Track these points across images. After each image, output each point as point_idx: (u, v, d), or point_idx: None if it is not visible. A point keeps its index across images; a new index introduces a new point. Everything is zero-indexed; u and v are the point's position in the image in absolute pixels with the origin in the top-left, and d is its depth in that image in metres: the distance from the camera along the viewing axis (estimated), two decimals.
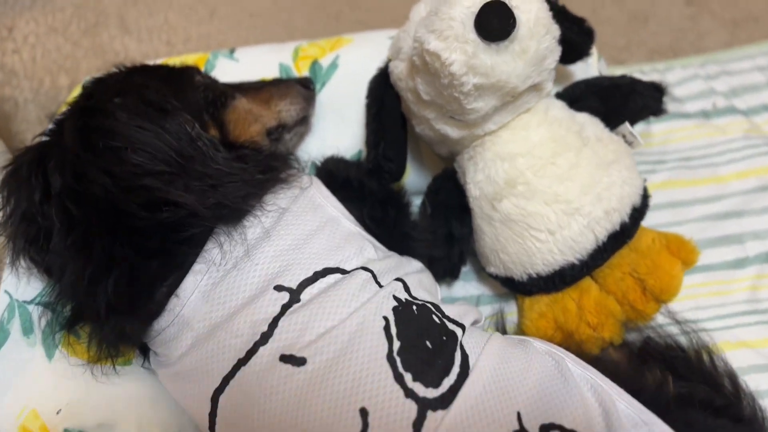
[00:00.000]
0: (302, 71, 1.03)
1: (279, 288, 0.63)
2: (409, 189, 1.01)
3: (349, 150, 1.00)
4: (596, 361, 0.76)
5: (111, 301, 0.62)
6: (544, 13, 0.72)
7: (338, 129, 1.00)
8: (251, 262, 0.65)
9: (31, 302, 0.77)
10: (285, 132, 0.88)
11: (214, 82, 0.82)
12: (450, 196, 0.88)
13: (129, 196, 0.60)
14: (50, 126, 0.73)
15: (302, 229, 0.68)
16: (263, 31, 1.34)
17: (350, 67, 1.02)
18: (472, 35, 0.69)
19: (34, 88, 1.18)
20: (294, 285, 0.64)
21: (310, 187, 0.73)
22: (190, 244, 0.64)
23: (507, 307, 0.97)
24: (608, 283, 0.87)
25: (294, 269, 0.65)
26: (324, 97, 1.01)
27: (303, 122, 0.92)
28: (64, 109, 0.74)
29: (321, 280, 0.65)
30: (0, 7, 1.27)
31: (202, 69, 1.04)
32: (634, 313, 0.86)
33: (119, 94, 0.66)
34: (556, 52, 0.76)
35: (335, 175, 0.80)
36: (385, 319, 0.64)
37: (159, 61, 1.09)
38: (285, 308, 0.62)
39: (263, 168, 0.70)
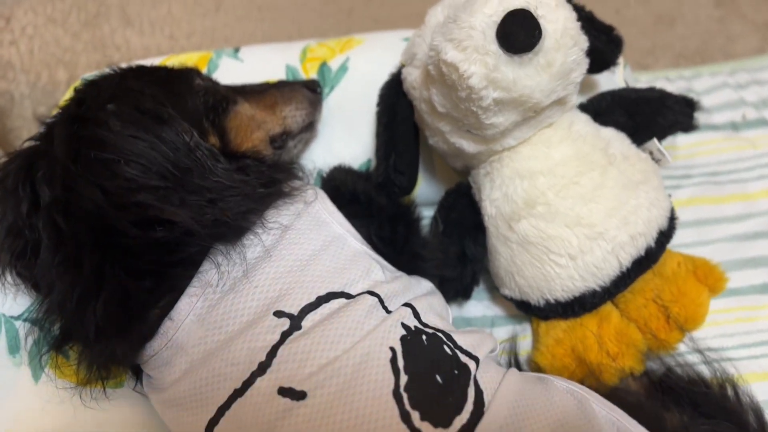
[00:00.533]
0: (310, 73, 0.98)
1: (279, 314, 0.60)
2: (420, 200, 0.98)
3: (358, 159, 0.96)
4: (615, 393, 0.73)
5: (100, 322, 0.58)
6: (572, 23, 0.67)
7: (346, 136, 0.96)
8: (250, 285, 0.61)
9: (18, 318, 0.74)
10: (289, 139, 0.84)
11: (215, 85, 0.78)
12: (464, 214, 0.84)
13: (121, 213, 0.57)
14: (40, 130, 0.69)
15: (305, 248, 0.65)
16: (271, 25, 1.29)
17: (361, 71, 0.97)
18: (494, 46, 0.65)
19: (31, 82, 1.13)
20: (295, 311, 0.60)
21: (315, 202, 0.69)
22: (185, 264, 0.61)
23: (521, 329, 0.92)
24: (630, 309, 0.83)
25: (295, 293, 0.61)
26: (332, 102, 0.97)
27: (308, 128, 0.88)
28: (55, 112, 0.70)
29: (324, 305, 0.61)
30: None
31: (205, 69, 1.00)
32: (657, 342, 0.81)
33: (113, 100, 0.62)
34: (584, 64, 0.71)
35: (342, 189, 0.76)
36: (392, 350, 0.60)
37: (161, 58, 1.05)
38: (285, 336, 0.59)
39: (266, 180, 0.66)
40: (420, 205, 1.00)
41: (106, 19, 1.26)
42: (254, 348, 0.58)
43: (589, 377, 0.80)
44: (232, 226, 0.61)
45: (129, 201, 0.57)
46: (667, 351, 0.82)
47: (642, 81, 1.21)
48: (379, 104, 0.88)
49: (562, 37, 0.66)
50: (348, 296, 0.63)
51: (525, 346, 0.91)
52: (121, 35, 1.26)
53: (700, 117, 1.17)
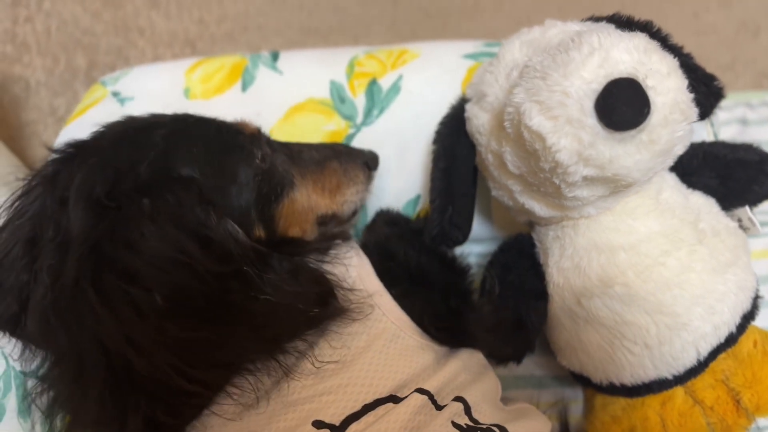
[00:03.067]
0: (357, 92, 0.90)
1: (319, 424, 0.54)
2: (470, 237, 0.91)
3: (407, 194, 0.89)
4: None
5: None
6: (684, 95, 0.59)
7: (396, 167, 0.89)
8: (285, 393, 0.56)
9: (30, 374, 0.68)
10: (334, 222, 0.76)
11: (274, 162, 0.68)
12: (524, 278, 0.77)
13: (151, 368, 0.49)
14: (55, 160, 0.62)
15: (350, 347, 0.59)
16: (310, 13, 1.19)
17: (415, 93, 0.90)
18: (591, 120, 0.57)
19: (48, 68, 1.06)
20: (337, 421, 0.55)
21: (372, 314, 0.62)
22: (212, 391, 0.55)
23: (572, 393, 0.87)
24: (696, 389, 0.77)
25: (338, 400, 0.56)
26: (381, 127, 0.89)
27: (354, 215, 0.81)
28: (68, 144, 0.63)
29: (370, 413, 0.56)
30: None
31: (239, 81, 0.91)
32: (722, 426, 0.76)
33: (150, 191, 0.54)
34: (689, 137, 0.62)
35: (395, 261, 0.70)
36: None
37: (193, 60, 0.96)
38: None
39: (321, 291, 0.59)
40: (469, 240, 0.94)
41: None
42: None
43: None
44: (271, 360, 0.55)
45: (159, 358, 0.50)
46: None
47: (721, 106, 1.10)
48: (435, 142, 0.80)
49: (672, 112, 0.58)
50: (396, 400, 0.58)
51: (575, 410, 0.86)
52: (146, 17, 1.16)
53: None
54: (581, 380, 0.79)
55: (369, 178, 0.81)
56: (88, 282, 0.50)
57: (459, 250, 0.82)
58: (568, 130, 0.57)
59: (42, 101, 1.05)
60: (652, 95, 0.56)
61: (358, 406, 0.56)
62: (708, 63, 0.74)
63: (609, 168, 0.58)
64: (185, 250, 0.51)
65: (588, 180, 0.60)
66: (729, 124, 1.11)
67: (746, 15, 1.27)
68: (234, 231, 0.56)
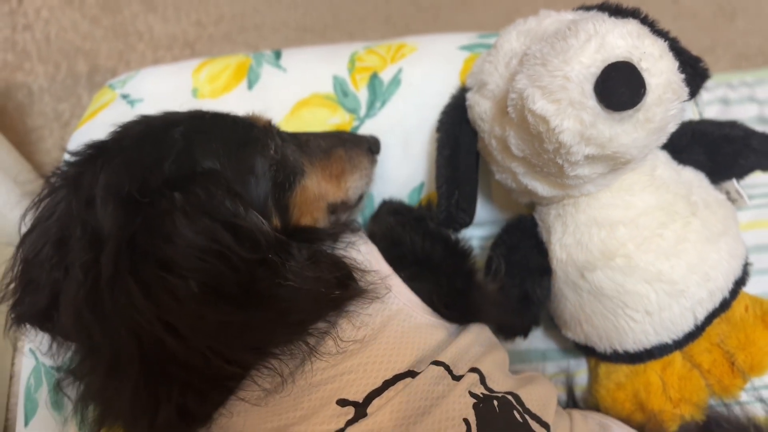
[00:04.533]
0: (360, 86, 0.92)
1: (343, 402, 0.57)
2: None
3: (411, 182, 0.92)
4: None
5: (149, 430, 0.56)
6: (675, 76, 0.63)
7: (400, 156, 0.92)
8: (309, 373, 0.58)
9: (60, 369, 0.69)
10: (343, 208, 0.79)
11: (285, 152, 0.71)
12: (528, 256, 0.80)
13: (189, 353, 0.51)
14: (74, 163, 0.63)
15: (367, 327, 0.62)
16: (306, 11, 1.21)
17: (415, 84, 0.92)
18: (592, 102, 0.60)
19: (50, 75, 1.07)
20: (360, 398, 0.57)
21: (390, 294, 0.65)
22: (241, 374, 0.57)
23: (575, 364, 0.91)
24: (693, 353, 0.81)
25: (360, 379, 0.58)
26: (384, 119, 0.92)
27: (360, 201, 0.84)
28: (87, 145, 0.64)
29: (390, 388, 0.59)
30: None
31: (245, 79, 0.94)
32: (719, 387, 0.81)
33: (180, 185, 0.55)
34: (681, 115, 0.66)
35: (402, 247, 0.72)
36: (466, 422, 0.58)
37: (195, 61, 0.98)
38: (349, 424, 0.56)
39: (341, 274, 0.61)
40: (473, 224, 0.98)
41: (126, 2, 1.18)
42: None
43: (649, 422, 0.79)
44: (298, 342, 0.57)
45: (197, 341, 0.52)
46: (728, 397, 0.81)
47: (704, 87, 1.15)
48: (439, 130, 0.83)
49: (665, 92, 0.62)
50: (414, 374, 0.61)
51: (580, 380, 0.90)
52: (144, 21, 1.18)
53: (761, 128, 1.13)
54: (585, 350, 0.83)
55: (372, 163, 0.83)
56: (127, 272, 0.51)
57: (461, 234, 0.85)
58: (571, 112, 0.60)
59: (46, 107, 1.06)
60: (646, 77, 0.59)
61: (378, 383, 0.58)
62: (689, 46, 0.78)
63: (609, 146, 0.62)
64: (218, 240, 0.53)
65: (589, 159, 0.64)
66: (712, 104, 1.15)
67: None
68: (259, 220, 0.58)
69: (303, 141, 0.77)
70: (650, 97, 0.60)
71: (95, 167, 0.60)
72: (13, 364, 0.92)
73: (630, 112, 0.60)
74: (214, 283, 0.52)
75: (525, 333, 0.85)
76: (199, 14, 1.19)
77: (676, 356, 0.80)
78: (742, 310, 0.80)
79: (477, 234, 1.01)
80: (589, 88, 0.60)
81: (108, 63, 1.10)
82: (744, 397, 0.81)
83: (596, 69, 0.60)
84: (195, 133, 0.62)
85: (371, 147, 0.83)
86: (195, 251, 0.52)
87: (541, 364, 0.92)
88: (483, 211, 0.96)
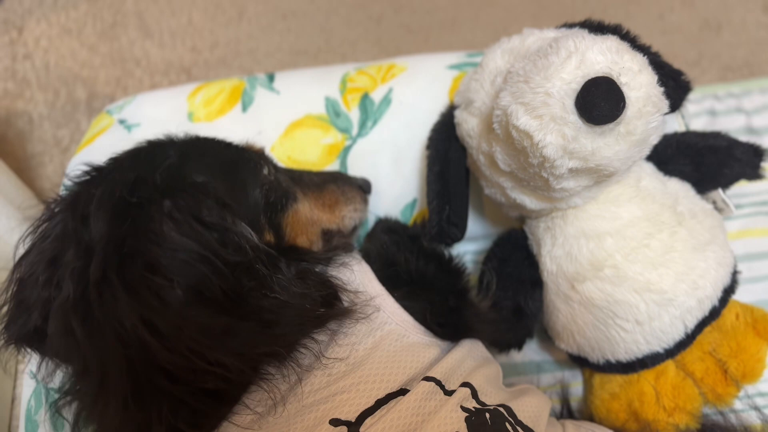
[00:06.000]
0: (351, 106, 0.94)
1: (335, 422, 0.57)
2: (465, 236, 0.95)
3: (404, 198, 0.93)
4: None
5: None
6: (655, 89, 0.64)
7: (392, 173, 0.93)
8: (300, 395, 0.58)
9: (59, 390, 0.70)
10: (338, 236, 0.81)
11: (278, 177, 0.73)
12: (520, 268, 0.81)
13: (172, 356, 0.51)
14: (71, 186, 0.64)
15: (359, 348, 0.62)
16: (298, 35, 1.23)
17: (405, 103, 0.94)
18: (573, 117, 0.61)
19: (50, 102, 1.09)
20: (353, 417, 0.57)
21: (378, 313, 0.65)
22: (232, 394, 0.57)
23: (570, 375, 0.91)
24: (686, 362, 0.81)
25: (352, 399, 0.58)
26: (376, 137, 0.93)
27: (355, 231, 0.86)
28: (86, 168, 0.65)
29: (383, 407, 0.59)
30: (7, 2, 1.16)
31: (239, 102, 0.95)
32: (713, 395, 0.80)
33: (170, 194, 0.56)
34: (662, 127, 0.68)
35: (397, 267, 0.73)
36: None
37: (191, 86, 1.00)
38: None
39: (326, 294, 0.62)
40: (464, 240, 0.99)
41: (123, 29, 1.20)
42: None
43: (644, 428, 0.79)
44: (283, 356, 0.58)
45: (180, 343, 0.51)
46: (722, 406, 0.81)
47: (690, 99, 1.17)
48: (429, 147, 0.85)
49: (645, 105, 0.63)
50: (406, 392, 0.61)
51: (575, 391, 0.90)
52: (141, 47, 1.20)
53: (748, 139, 1.14)
54: (579, 361, 0.83)
55: (364, 200, 0.86)
56: (114, 273, 0.51)
57: (455, 251, 0.86)
58: (553, 127, 0.62)
59: (46, 133, 1.07)
60: (626, 91, 0.61)
61: (371, 402, 0.58)
62: (675, 60, 0.79)
63: (592, 159, 0.63)
64: (204, 244, 0.54)
65: (573, 172, 0.65)
66: (699, 116, 1.17)
67: (708, 13, 1.33)
68: (247, 231, 0.59)
69: (296, 175, 0.80)
70: (630, 111, 0.62)
71: (91, 187, 0.61)
72: (15, 387, 0.93)
73: (611, 125, 0.61)
74: (199, 287, 0.53)
75: (519, 345, 0.85)
76: (194, 40, 1.21)
77: (669, 365, 0.81)
78: (733, 318, 0.81)
79: (470, 249, 1.02)
80: (570, 103, 0.61)
81: (106, 89, 1.12)
82: (739, 405, 0.82)
83: (577, 85, 0.61)
84: (188, 151, 0.64)
85: (362, 186, 0.85)
86: (181, 254, 0.52)
87: (536, 377, 0.92)
88: (476, 226, 0.97)
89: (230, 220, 0.57)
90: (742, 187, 1.08)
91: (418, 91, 0.94)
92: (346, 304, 0.63)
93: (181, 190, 0.57)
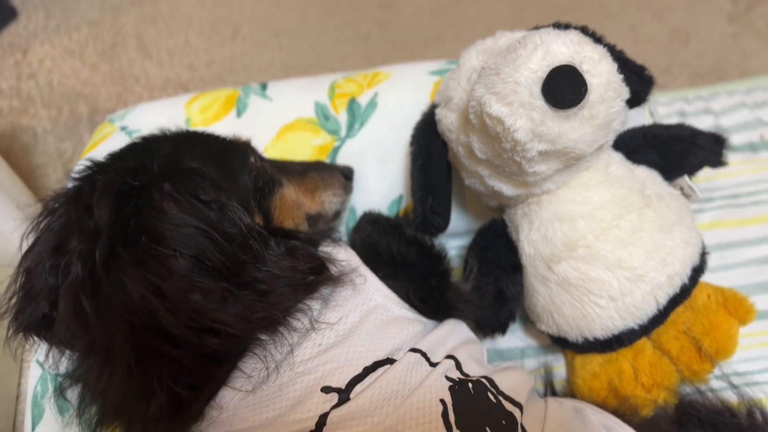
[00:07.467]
0: (340, 110, 0.99)
1: (327, 389, 0.60)
2: (449, 231, 0.99)
3: (390, 195, 0.97)
4: (648, 424, 0.75)
5: (144, 423, 0.58)
6: (616, 76, 0.69)
7: (378, 172, 0.97)
8: (295, 365, 0.61)
9: (65, 376, 0.71)
10: (321, 220, 0.85)
11: (264, 165, 0.77)
12: (500, 254, 0.85)
13: (176, 317, 0.54)
14: (74, 182, 0.67)
15: (346, 321, 0.65)
16: (290, 52, 1.29)
17: (390, 106, 0.99)
18: (540, 102, 0.66)
19: (53, 117, 1.13)
20: (343, 384, 0.60)
21: (365, 284, 0.69)
22: (228, 359, 0.60)
23: (555, 360, 0.94)
24: (662, 342, 0.84)
25: (342, 368, 0.61)
26: (363, 138, 0.98)
27: (337, 216, 0.90)
28: (86, 163, 0.68)
29: (371, 375, 0.62)
30: (13, 27, 1.21)
31: (233, 109, 1.00)
32: (689, 372, 0.83)
33: (168, 178, 0.60)
34: (624, 112, 0.72)
35: (381, 251, 0.76)
36: (443, 402, 0.61)
37: (187, 96, 1.05)
38: (333, 408, 0.59)
39: (315, 265, 0.65)
40: (449, 234, 1.03)
41: (123, 49, 1.25)
42: (304, 419, 0.58)
43: (622, 406, 0.81)
44: (280, 320, 0.61)
45: (184, 304, 0.55)
46: (699, 382, 0.84)
47: (661, 102, 1.23)
48: (412, 144, 0.89)
49: (606, 90, 0.67)
50: (392, 361, 0.64)
51: (558, 375, 0.93)
52: (140, 66, 1.25)
53: None
54: (560, 342, 0.86)
55: (346, 186, 0.90)
56: (122, 247, 0.55)
57: (438, 241, 0.90)
58: (522, 112, 0.66)
59: (50, 147, 1.12)
60: (588, 77, 0.65)
61: (359, 370, 0.61)
62: (649, 68, 0.84)
63: (559, 142, 0.67)
64: (204, 219, 0.58)
65: (543, 154, 0.69)
66: (669, 117, 1.22)
67: (677, 24, 1.40)
68: (241, 211, 0.62)
69: (280, 164, 0.84)
70: (593, 96, 0.66)
71: (92, 179, 0.64)
72: (19, 384, 0.95)
73: (575, 110, 0.66)
74: (200, 257, 0.56)
75: (503, 329, 0.88)
76: (191, 59, 1.27)
77: (646, 344, 0.84)
78: (705, 298, 0.84)
79: (455, 244, 1.06)
80: (537, 90, 0.65)
81: (107, 104, 1.16)
82: (716, 384, 0.84)
83: (542, 73, 0.65)
84: (181, 141, 0.69)
85: (343, 171, 0.90)
86: (183, 229, 0.56)
87: (520, 361, 0.95)
88: (459, 221, 1.01)
89: (225, 199, 0.61)
90: (712, 181, 1.13)
91: (402, 95, 0.98)
92: (334, 272, 0.66)
93: (178, 174, 0.61)
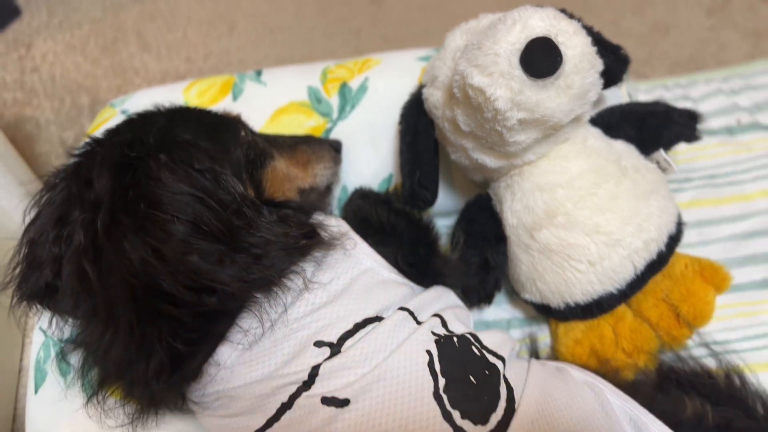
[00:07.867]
0: (332, 94, 1.02)
1: (319, 344, 0.63)
2: (438, 210, 1.03)
3: (380, 174, 1.00)
4: (630, 386, 0.77)
5: (145, 380, 0.60)
6: (589, 49, 0.73)
7: (369, 152, 1.01)
8: (288, 323, 0.64)
9: (68, 341, 0.74)
10: (314, 193, 0.88)
11: (255, 138, 0.79)
12: (485, 226, 0.88)
13: (176, 277, 0.56)
14: (74, 159, 0.69)
15: (337, 282, 0.68)
16: (284, 47, 1.33)
17: (380, 90, 1.02)
18: (518, 72, 0.69)
19: (55, 108, 1.17)
20: (334, 339, 0.63)
21: (355, 249, 0.72)
22: (226, 317, 0.63)
23: (539, 330, 0.97)
24: (642, 309, 0.88)
25: (334, 324, 0.64)
26: (353, 120, 1.01)
27: (328, 190, 0.93)
28: (86, 140, 0.70)
29: (361, 330, 0.65)
30: (16, 24, 1.25)
31: (230, 93, 1.04)
32: (668, 338, 0.86)
33: (164, 150, 0.62)
34: (599, 84, 0.76)
35: (371, 220, 0.79)
36: (429, 353, 0.64)
37: (183, 83, 1.08)
38: (326, 360, 0.62)
39: (306, 231, 0.68)
40: (438, 214, 1.06)
41: (123, 44, 1.29)
42: (298, 371, 0.61)
43: (603, 367, 0.84)
44: (275, 281, 0.63)
45: (183, 265, 0.57)
46: (678, 347, 0.87)
47: (642, 90, 1.27)
48: (401, 123, 0.92)
49: (581, 61, 0.71)
50: (381, 319, 0.67)
51: (543, 345, 0.96)
52: (139, 60, 1.29)
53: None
54: (543, 310, 0.89)
55: (336, 158, 0.92)
56: (122, 214, 0.57)
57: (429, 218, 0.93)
58: (502, 81, 0.70)
59: (52, 136, 1.15)
60: (563, 49, 0.69)
61: (350, 326, 0.64)
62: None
63: (537, 110, 0.71)
64: (199, 186, 0.60)
65: (522, 123, 0.73)
66: None
67: (656, 18, 1.44)
68: (234, 181, 0.65)
69: (271, 138, 0.87)
70: (568, 66, 0.70)
71: (92, 155, 0.66)
72: (21, 359, 0.97)
73: (551, 79, 0.69)
74: (197, 221, 0.58)
75: (489, 299, 0.91)
76: (188, 52, 1.30)
77: (627, 312, 0.87)
78: (682, 267, 0.87)
79: (443, 224, 1.08)
80: (515, 60, 0.69)
81: (108, 95, 1.20)
82: (696, 352, 0.87)
83: (520, 45, 0.69)
84: (175, 116, 0.71)
85: (332, 145, 0.93)
86: (179, 196, 0.58)
87: (506, 332, 0.98)
88: (447, 200, 1.04)
89: (219, 168, 0.64)
90: (691, 162, 1.17)
91: (391, 80, 1.02)
92: (325, 237, 0.69)
93: (173, 146, 0.64)
